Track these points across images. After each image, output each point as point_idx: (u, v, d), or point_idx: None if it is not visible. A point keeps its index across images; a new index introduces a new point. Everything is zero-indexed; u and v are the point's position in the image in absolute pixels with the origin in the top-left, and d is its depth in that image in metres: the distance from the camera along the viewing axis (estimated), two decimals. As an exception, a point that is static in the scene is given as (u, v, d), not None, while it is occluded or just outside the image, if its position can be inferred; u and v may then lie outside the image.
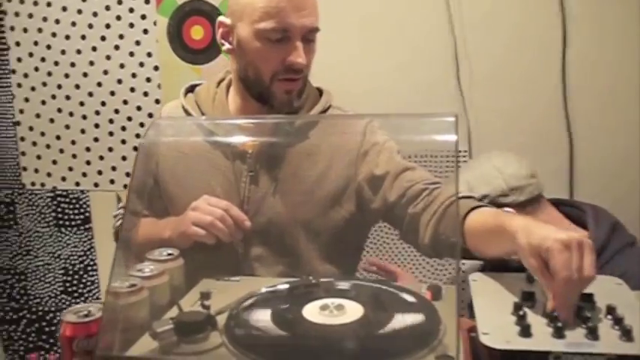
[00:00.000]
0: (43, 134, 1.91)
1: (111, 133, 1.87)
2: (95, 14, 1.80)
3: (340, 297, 0.81)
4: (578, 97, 1.62)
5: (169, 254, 0.94)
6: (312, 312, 0.77)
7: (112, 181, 1.90)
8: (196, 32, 1.75)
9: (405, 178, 1.04)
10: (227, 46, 1.07)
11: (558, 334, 0.66)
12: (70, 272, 1.97)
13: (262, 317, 0.77)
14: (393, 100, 1.67)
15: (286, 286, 0.85)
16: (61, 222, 1.95)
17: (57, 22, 1.82)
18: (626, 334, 0.64)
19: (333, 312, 0.77)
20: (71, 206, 1.94)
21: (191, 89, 1.18)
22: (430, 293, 0.83)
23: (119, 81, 1.82)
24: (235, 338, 0.72)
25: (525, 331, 0.66)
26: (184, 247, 1.00)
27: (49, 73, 1.86)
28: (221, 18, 1.07)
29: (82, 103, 1.86)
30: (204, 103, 1.13)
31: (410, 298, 0.81)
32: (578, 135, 1.64)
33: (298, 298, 0.82)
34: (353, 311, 0.77)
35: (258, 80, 1.05)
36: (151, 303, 0.84)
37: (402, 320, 0.75)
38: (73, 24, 1.81)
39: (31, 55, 1.86)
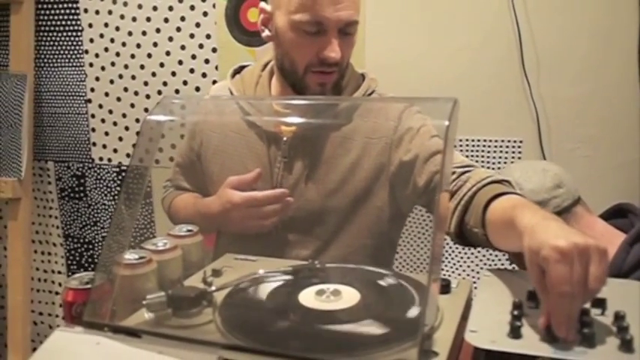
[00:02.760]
0: (110, 112, 2.01)
1: (171, 113, 1.94)
2: (160, -3, 1.86)
3: (342, 283, 0.79)
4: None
5: (188, 230, 0.97)
6: (307, 296, 0.76)
7: (171, 159, 1.96)
8: (253, 15, 1.76)
9: (434, 162, 0.98)
10: (267, 32, 1.07)
11: (550, 337, 0.61)
12: (132, 244, 2.07)
13: (256, 298, 0.77)
14: (453, 88, 1.62)
15: (290, 269, 0.85)
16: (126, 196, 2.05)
17: (125, 4, 1.90)
18: (626, 345, 0.58)
19: (330, 297, 0.76)
20: (135, 181, 2.03)
21: (239, 70, 1.19)
22: (438, 287, 0.80)
23: (180, 62, 1.88)
24: (225, 316, 0.72)
25: (515, 332, 0.62)
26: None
27: (118, 54, 1.95)
28: (262, 4, 1.06)
29: (145, 83, 1.94)
30: (247, 86, 1.13)
31: (411, 291, 0.78)
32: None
33: (298, 282, 0.81)
34: (348, 298, 0.75)
35: (292, 70, 1.04)
36: (161, 276, 0.87)
37: (392, 311, 0.72)
38: (140, 6, 1.88)
39: (101, 36, 1.96)
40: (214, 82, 1.85)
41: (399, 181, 1.06)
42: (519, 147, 1.62)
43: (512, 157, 1.63)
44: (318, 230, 1.08)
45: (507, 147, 1.63)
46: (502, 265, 1.66)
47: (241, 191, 1.03)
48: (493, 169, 1.63)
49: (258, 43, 1.77)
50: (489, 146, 1.64)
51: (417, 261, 1.74)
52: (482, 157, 1.65)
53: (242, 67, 1.20)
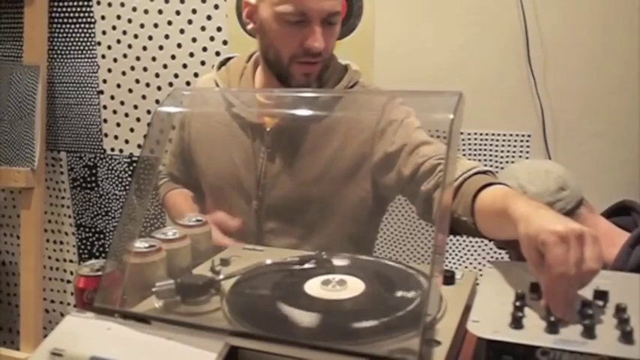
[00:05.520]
0: (122, 103, 2.03)
1: (182, 104, 1.96)
2: (171, -11, 1.87)
3: (347, 273, 0.81)
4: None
5: (197, 220, 0.98)
6: (313, 286, 0.78)
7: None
8: (263, 7, 1.77)
9: (419, 154, 1.01)
10: (251, 25, 1.09)
11: (551, 328, 0.62)
12: (143, 234, 2.10)
13: (262, 286, 0.79)
14: (460, 80, 1.63)
15: (296, 259, 0.86)
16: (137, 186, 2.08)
17: (137, -4, 1.92)
18: (626, 336, 0.59)
19: (335, 287, 0.77)
20: (145, 172, 2.05)
21: (225, 62, 1.21)
22: (442, 278, 0.81)
23: (191, 54, 1.90)
24: (232, 304, 0.74)
25: (517, 323, 0.63)
26: None
27: (130, 46, 1.97)
28: None
29: (157, 75, 1.96)
30: (232, 78, 1.16)
31: (415, 281, 0.80)
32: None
33: (304, 272, 0.82)
34: (353, 288, 0.77)
35: (277, 61, 1.06)
36: (171, 265, 0.89)
37: (396, 301, 0.73)
38: (151, -1, 1.90)
39: (114, 28, 1.98)
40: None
41: (382, 171, 1.08)
42: (527, 141, 1.62)
43: (521, 152, 1.63)
44: (301, 219, 1.11)
45: (515, 141, 1.63)
46: (509, 258, 1.66)
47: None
48: (501, 162, 1.64)
49: (269, 35, 1.77)
50: (497, 140, 1.64)
51: (425, 253, 1.75)
52: (491, 150, 1.65)
53: (228, 59, 1.22)
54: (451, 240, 1.72)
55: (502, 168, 1.58)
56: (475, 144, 1.66)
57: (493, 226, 0.84)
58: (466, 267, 1.72)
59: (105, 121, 2.07)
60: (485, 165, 1.52)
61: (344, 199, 1.10)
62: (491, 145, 1.65)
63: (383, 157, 1.07)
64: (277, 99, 1.10)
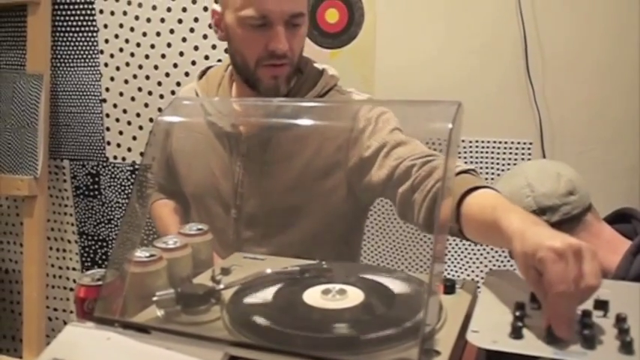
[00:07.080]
0: (125, 111, 2.04)
1: (184, 113, 1.97)
2: (173, -2, 1.88)
3: (347, 283, 0.80)
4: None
5: (199, 229, 0.98)
6: (312, 295, 0.78)
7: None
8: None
9: (393, 156, 1.00)
10: (220, 33, 1.10)
11: (551, 338, 0.61)
12: (145, 242, 2.10)
13: (262, 296, 0.79)
14: (461, 90, 1.63)
15: (296, 268, 0.86)
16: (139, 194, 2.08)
17: (139, 5, 1.93)
18: (626, 347, 0.59)
19: (335, 297, 0.77)
20: (146, 180, 2.06)
21: (206, 71, 1.22)
22: (442, 287, 0.81)
23: (193, 62, 1.90)
24: (232, 313, 0.74)
25: (517, 333, 0.63)
26: None
27: (132, 54, 1.98)
28: (214, 6, 1.10)
29: (159, 83, 1.96)
30: (211, 87, 1.17)
31: (415, 290, 0.79)
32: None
33: (304, 281, 0.82)
34: (353, 297, 0.76)
35: (244, 66, 1.07)
36: (171, 274, 0.89)
37: (396, 310, 0.73)
38: (154, 8, 1.91)
39: (116, 36, 1.99)
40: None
41: (358, 176, 1.07)
42: (529, 149, 1.62)
43: (522, 159, 1.63)
44: (280, 226, 1.12)
45: (517, 148, 1.63)
46: (511, 266, 1.66)
47: None
48: (502, 170, 1.63)
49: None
50: (499, 148, 1.64)
51: (427, 261, 1.74)
52: (492, 158, 1.65)
53: (209, 68, 1.23)
54: (453, 248, 1.71)
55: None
56: (477, 151, 1.66)
57: (482, 236, 0.83)
58: (467, 275, 1.71)
59: (107, 129, 2.08)
60: (487, 172, 1.53)
61: (320, 206, 1.10)
62: (492, 152, 1.65)
63: (358, 162, 1.06)
64: (253, 107, 1.11)
